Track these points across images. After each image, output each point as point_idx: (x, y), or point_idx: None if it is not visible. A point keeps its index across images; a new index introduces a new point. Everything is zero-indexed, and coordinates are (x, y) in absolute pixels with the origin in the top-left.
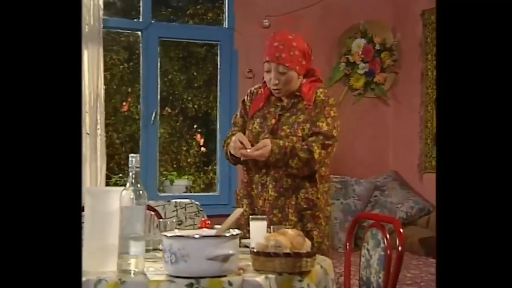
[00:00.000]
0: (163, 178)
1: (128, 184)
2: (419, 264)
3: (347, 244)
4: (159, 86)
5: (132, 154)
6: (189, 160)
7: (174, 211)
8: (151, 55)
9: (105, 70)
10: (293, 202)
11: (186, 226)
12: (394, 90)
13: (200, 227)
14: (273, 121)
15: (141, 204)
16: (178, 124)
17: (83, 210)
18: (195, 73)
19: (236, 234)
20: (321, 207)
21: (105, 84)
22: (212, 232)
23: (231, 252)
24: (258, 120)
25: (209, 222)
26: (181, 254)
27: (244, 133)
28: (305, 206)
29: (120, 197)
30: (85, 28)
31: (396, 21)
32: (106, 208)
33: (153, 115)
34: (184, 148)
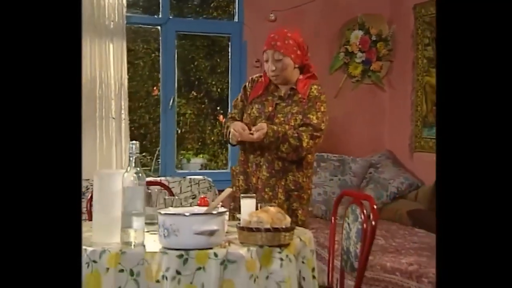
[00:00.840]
0: (181, 157)
1: (129, 168)
2: (405, 234)
3: (332, 218)
4: (176, 74)
5: (132, 141)
6: (212, 138)
7: (188, 186)
8: (169, 47)
9: (139, 58)
10: (282, 183)
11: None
12: (389, 77)
13: (199, 204)
14: (270, 108)
15: (141, 184)
16: (203, 106)
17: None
18: (218, 60)
19: (221, 212)
20: (305, 189)
21: (139, 71)
22: (201, 210)
23: (216, 228)
24: (256, 106)
25: (208, 200)
26: (173, 229)
27: (242, 116)
28: (292, 187)
29: (123, 178)
30: (110, 25)
31: (391, 14)
32: (111, 188)
33: (171, 100)
34: (209, 128)
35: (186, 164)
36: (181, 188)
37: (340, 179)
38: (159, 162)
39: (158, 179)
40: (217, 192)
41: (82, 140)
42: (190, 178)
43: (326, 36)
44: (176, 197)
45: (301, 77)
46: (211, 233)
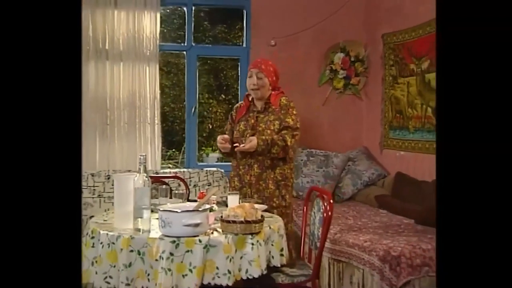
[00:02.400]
0: (202, 152)
1: (139, 173)
2: (371, 214)
3: (304, 207)
4: (197, 90)
5: (141, 153)
6: None
7: (205, 176)
8: (192, 68)
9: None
10: (272, 176)
11: (213, 186)
12: (365, 89)
13: (198, 197)
14: (253, 121)
15: (147, 186)
16: (230, 106)
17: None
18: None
19: (205, 209)
20: (289, 178)
21: (177, 86)
22: (191, 206)
23: (199, 221)
24: (242, 123)
25: (205, 193)
26: (167, 222)
27: (233, 134)
28: (280, 178)
29: (134, 181)
30: (147, 52)
31: (366, 40)
32: (126, 188)
33: (193, 109)
34: None
35: (205, 158)
36: (199, 177)
37: (325, 171)
38: (185, 156)
39: (181, 170)
40: (227, 180)
41: (124, 140)
42: (207, 170)
43: (315, 57)
44: (189, 191)
45: (273, 93)
46: (196, 225)
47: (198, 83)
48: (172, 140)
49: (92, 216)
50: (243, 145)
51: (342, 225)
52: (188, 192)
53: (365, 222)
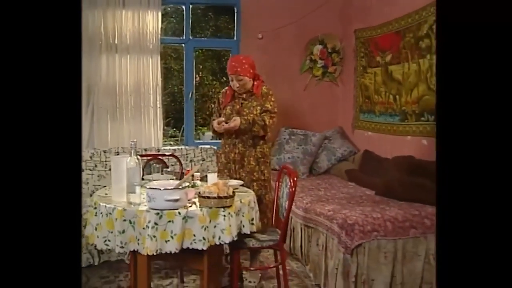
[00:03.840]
0: (198, 131)
1: (130, 156)
2: (340, 186)
3: (277, 182)
4: (194, 77)
5: (132, 140)
6: None
7: (200, 152)
8: (189, 59)
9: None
10: (253, 154)
11: (206, 162)
12: (341, 77)
13: (185, 173)
14: (238, 106)
15: (137, 166)
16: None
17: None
18: None
19: (184, 187)
20: (267, 156)
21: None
22: (173, 184)
23: (178, 197)
24: (229, 107)
25: (190, 171)
26: (152, 197)
27: (220, 116)
28: (260, 156)
29: (127, 162)
30: (150, 46)
31: (341, 34)
32: (121, 168)
33: (190, 94)
34: None
35: (202, 136)
36: (195, 154)
37: (304, 148)
38: (184, 135)
39: (179, 148)
40: None
41: (131, 121)
42: (201, 147)
43: (297, 49)
44: (182, 167)
45: (255, 83)
46: (176, 200)
47: (203, 67)
48: (180, 117)
49: (105, 186)
50: (229, 122)
51: (314, 196)
52: (181, 168)
53: (333, 193)
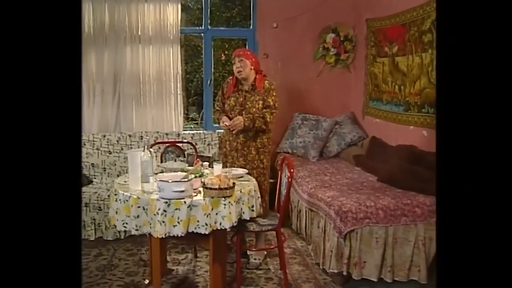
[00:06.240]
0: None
1: (144, 150)
2: (346, 171)
3: (279, 171)
4: (212, 65)
5: (146, 136)
6: None
7: (217, 137)
8: (208, 47)
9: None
10: (254, 144)
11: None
12: (353, 64)
13: (194, 164)
14: (241, 99)
15: (150, 159)
16: None
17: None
18: None
19: (188, 180)
20: (267, 146)
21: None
22: (180, 176)
23: (184, 189)
24: (232, 98)
25: (197, 162)
26: (161, 188)
27: (224, 106)
28: (260, 146)
29: (141, 155)
30: (171, 36)
31: (353, 23)
32: (136, 160)
33: (209, 80)
34: None
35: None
36: (212, 137)
37: (315, 133)
38: (203, 119)
39: (198, 132)
40: None
41: (154, 108)
42: (218, 131)
43: (310, 37)
44: (196, 152)
45: (257, 77)
46: (182, 191)
47: (224, 55)
48: (195, 106)
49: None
50: (232, 121)
51: (318, 182)
52: (196, 153)
53: (338, 178)
